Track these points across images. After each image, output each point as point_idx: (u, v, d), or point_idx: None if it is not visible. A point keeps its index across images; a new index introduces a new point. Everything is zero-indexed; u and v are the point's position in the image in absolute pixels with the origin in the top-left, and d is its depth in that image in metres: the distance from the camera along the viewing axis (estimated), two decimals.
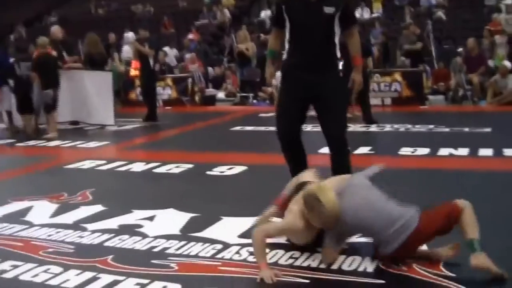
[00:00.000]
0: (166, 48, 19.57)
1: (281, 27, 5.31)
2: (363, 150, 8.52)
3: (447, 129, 10.28)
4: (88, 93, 12.68)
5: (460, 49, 17.00)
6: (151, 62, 13.10)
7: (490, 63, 16.19)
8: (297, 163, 5.40)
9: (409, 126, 10.87)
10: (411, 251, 3.97)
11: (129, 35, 20.56)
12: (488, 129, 10.11)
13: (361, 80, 5.40)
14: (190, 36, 21.65)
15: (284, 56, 5.36)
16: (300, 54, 5.21)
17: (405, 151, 8.26)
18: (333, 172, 5.18)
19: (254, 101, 17.25)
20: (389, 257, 3.93)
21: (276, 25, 5.46)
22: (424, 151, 8.21)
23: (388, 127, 11.00)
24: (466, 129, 10.14)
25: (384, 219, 3.89)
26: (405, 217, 3.89)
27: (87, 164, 8.19)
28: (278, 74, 5.68)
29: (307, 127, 11.04)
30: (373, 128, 11.01)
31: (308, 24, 5.13)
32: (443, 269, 3.88)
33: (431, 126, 10.63)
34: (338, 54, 5.29)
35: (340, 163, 5.26)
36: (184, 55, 19.88)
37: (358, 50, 5.38)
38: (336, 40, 5.22)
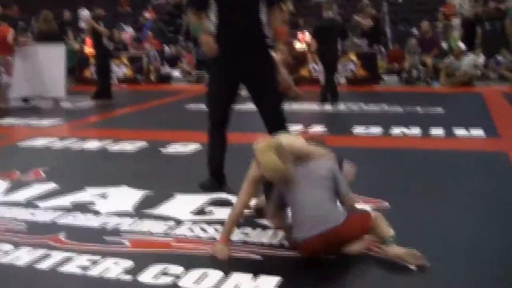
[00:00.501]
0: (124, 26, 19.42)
1: (204, 8, 5.04)
2: (317, 129, 8.61)
3: (400, 109, 10.40)
4: (40, 66, 12.51)
5: (414, 31, 17.19)
6: (105, 40, 12.94)
7: (444, 45, 16.40)
8: (218, 150, 5.34)
9: (363, 105, 10.98)
10: (331, 248, 3.77)
11: (84, 13, 20.29)
12: (440, 109, 10.26)
13: (284, 49, 5.27)
14: (146, 14, 21.46)
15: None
16: (229, 35, 4.96)
17: (359, 130, 8.35)
18: None
19: None
20: (302, 247, 3.79)
21: (197, 6, 5.12)
22: (377, 130, 8.31)
23: (342, 106, 11.09)
24: (419, 109, 10.28)
25: (313, 201, 3.81)
26: (331, 212, 3.80)
27: (40, 142, 8.11)
28: None
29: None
30: (327, 107, 11.08)
31: (237, 4, 4.93)
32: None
33: (385, 106, 10.75)
34: (267, 34, 5.08)
35: None
36: (141, 34, 19.71)
37: (280, 23, 5.18)
38: (264, 19, 4.99)
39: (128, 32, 19.91)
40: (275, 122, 5.04)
